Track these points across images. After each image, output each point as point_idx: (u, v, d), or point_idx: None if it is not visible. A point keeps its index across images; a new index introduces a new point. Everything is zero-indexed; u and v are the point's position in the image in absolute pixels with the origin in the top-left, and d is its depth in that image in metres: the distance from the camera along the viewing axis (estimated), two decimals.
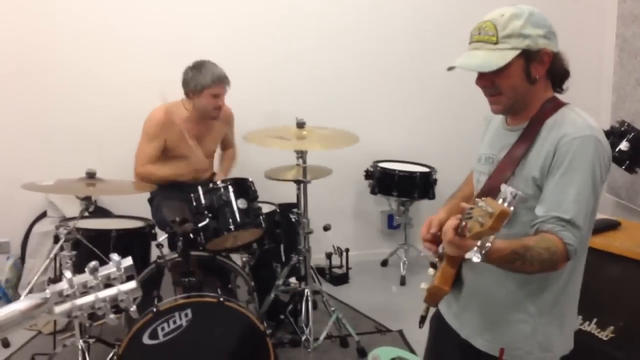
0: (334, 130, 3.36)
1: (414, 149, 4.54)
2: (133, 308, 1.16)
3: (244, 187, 2.95)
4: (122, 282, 1.13)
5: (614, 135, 3.27)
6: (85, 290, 1.11)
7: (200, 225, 2.80)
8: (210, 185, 2.92)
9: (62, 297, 1.09)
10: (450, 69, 1.60)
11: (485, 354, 1.68)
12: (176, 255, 2.90)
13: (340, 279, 4.32)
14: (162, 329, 2.47)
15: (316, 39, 4.35)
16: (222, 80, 3.27)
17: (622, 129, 3.90)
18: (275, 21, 4.26)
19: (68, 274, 1.10)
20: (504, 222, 1.25)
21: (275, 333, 3.26)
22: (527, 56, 1.54)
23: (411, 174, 4.18)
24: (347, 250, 4.36)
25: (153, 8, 4.05)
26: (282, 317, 3.33)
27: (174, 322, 2.49)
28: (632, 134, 3.90)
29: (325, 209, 4.10)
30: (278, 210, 3.47)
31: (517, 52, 1.52)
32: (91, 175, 2.76)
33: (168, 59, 3.90)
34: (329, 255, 4.32)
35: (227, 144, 3.77)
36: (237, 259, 3.39)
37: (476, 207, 1.29)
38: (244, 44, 4.22)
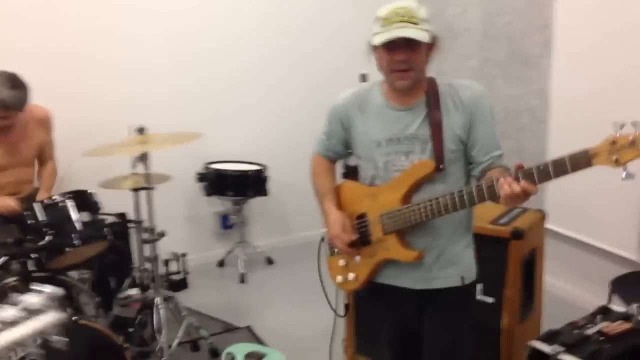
0: (173, 133, 3.32)
1: (243, 149, 4.61)
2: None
3: (85, 200, 2.82)
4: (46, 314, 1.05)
5: None
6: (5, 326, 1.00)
7: (41, 243, 2.62)
8: (47, 200, 2.75)
9: None
10: (391, 40, 1.80)
11: (445, 290, 2.00)
12: (12, 279, 2.67)
13: (180, 285, 4.27)
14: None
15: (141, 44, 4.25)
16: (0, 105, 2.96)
17: None
18: (104, 26, 4.10)
19: None
20: None
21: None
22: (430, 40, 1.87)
23: (244, 172, 4.27)
24: (183, 255, 4.32)
25: None
26: (130, 329, 3.22)
27: (23, 349, 2.31)
28: None
29: (157, 215, 4.02)
30: (118, 220, 3.35)
31: (430, 34, 1.83)
32: None
33: None
34: (166, 262, 4.24)
35: (45, 156, 3.46)
36: (75, 275, 3.22)
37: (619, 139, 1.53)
38: (70, 52, 3.99)
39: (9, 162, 3.19)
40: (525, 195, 1.65)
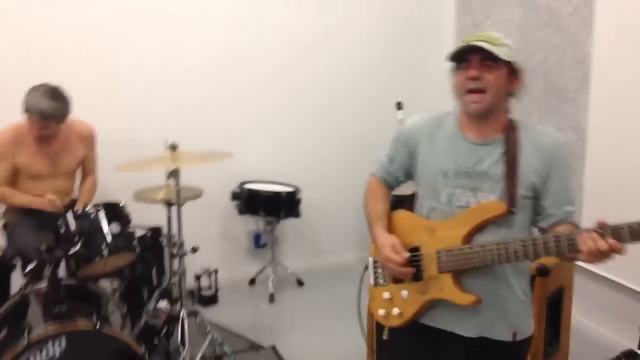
0: (206, 151, 3.41)
1: (278, 170, 4.66)
2: None
3: (115, 212, 2.92)
4: None
5: None
6: None
7: (71, 251, 2.72)
8: (80, 210, 2.86)
9: None
10: (460, 49, 1.78)
11: (499, 342, 1.86)
12: (42, 284, 2.78)
13: (210, 300, 4.33)
14: None
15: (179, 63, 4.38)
16: (39, 115, 3.08)
17: None
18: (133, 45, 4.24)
19: None
20: None
21: (149, 358, 3.22)
22: (511, 69, 1.80)
23: (277, 193, 4.32)
24: (215, 271, 4.39)
25: None
26: (156, 341, 3.29)
27: (47, 353, 2.39)
28: None
29: (192, 231, 4.09)
30: (149, 233, 3.44)
31: (510, 59, 1.78)
32: None
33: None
34: (197, 277, 4.32)
35: (86, 170, 3.61)
36: (107, 284, 3.32)
37: None
38: (111, 67, 4.17)
39: (49, 171, 3.34)
40: (610, 253, 1.56)
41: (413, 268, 1.88)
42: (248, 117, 4.66)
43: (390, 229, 2.01)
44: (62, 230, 2.78)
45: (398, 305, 1.96)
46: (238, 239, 4.82)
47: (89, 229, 2.80)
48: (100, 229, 2.83)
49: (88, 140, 3.51)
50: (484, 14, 4.56)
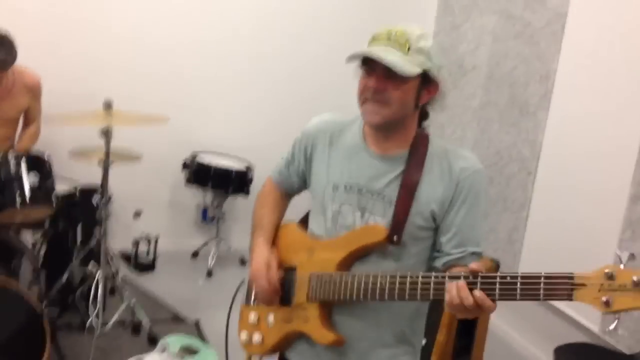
0: (142, 113, 3.29)
1: (236, 144, 4.55)
2: None
3: (38, 162, 2.85)
4: None
5: None
6: None
7: None
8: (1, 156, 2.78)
9: None
10: (357, 57, 1.50)
11: None
12: None
13: (146, 267, 4.26)
14: None
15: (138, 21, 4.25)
16: None
17: None
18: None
19: None
20: None
21: (62, 317, 3.16)
22: (423, 79, 1.51)
23: (227, 169, 4.23)
24: (156, 238, 4.30)
25: None
26: (70, 300, 3.21)
27: None
28: None
29: (139, 195, 4.00)
30: (79, 190, 3.35)
31: (422, 70, 1.48)
32: None
33: None
34: (136, 242, 4.24)
35: (29, 119, 3.50)
36: (30, 238, 3.24)
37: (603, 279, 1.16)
38: (57, 22, 4.01)
39: None
40: (479, 309, 1.29)
41: (280, 292, 1.67)
42: (210, 87, 4.53)
43: (275, 242, 1.77)
44: None
45: (261, 331, 1.72)
46: (186, 209, 4.72)
47: (7, 176, 2.72)
48: (18, 177, 2.75)
49: (34, 90, 3.41)
50: (464, 17, 4.47)
